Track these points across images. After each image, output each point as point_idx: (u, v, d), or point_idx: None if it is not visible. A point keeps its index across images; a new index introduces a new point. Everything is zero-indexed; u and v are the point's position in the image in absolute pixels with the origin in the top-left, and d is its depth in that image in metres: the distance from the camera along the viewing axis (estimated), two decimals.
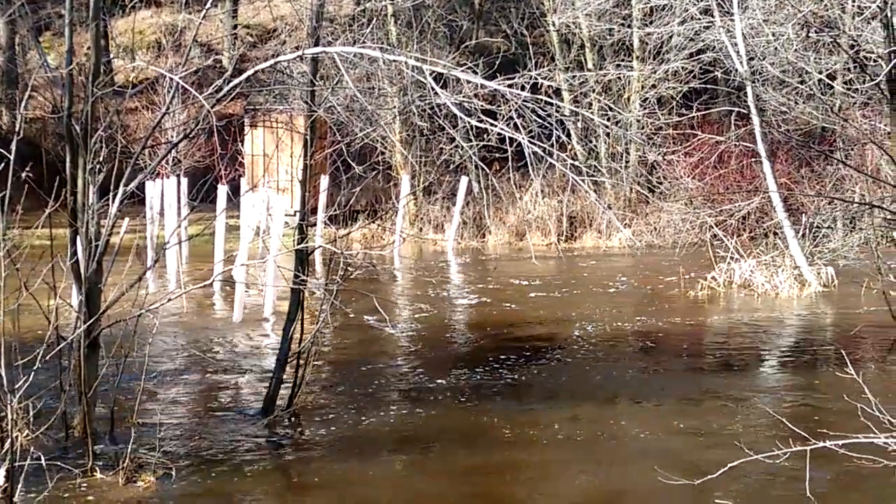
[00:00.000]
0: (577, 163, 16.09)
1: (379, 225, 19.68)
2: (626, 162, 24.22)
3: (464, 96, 9.12)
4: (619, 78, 23.93)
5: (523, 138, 8.23)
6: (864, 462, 6.87)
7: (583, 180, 9.12)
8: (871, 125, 20.89)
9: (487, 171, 9.28)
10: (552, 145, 8.32)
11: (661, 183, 23.72)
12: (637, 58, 24.03)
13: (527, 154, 8.13)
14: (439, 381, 12.14)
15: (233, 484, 8.61)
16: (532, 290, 18.56)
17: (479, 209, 24.13)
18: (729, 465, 6.55)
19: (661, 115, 23.23)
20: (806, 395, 11.50)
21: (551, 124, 8.52)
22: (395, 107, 17.47)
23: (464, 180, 23.52)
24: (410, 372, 12.86)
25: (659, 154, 22.80)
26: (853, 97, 21.42)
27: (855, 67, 16.63)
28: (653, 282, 19.21)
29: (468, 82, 9.03)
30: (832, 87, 20.16)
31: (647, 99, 23.70)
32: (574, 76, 23.50)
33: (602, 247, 23.43)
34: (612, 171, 23.01)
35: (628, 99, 23.80)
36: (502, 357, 13.39)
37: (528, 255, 21.77)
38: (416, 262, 22.13)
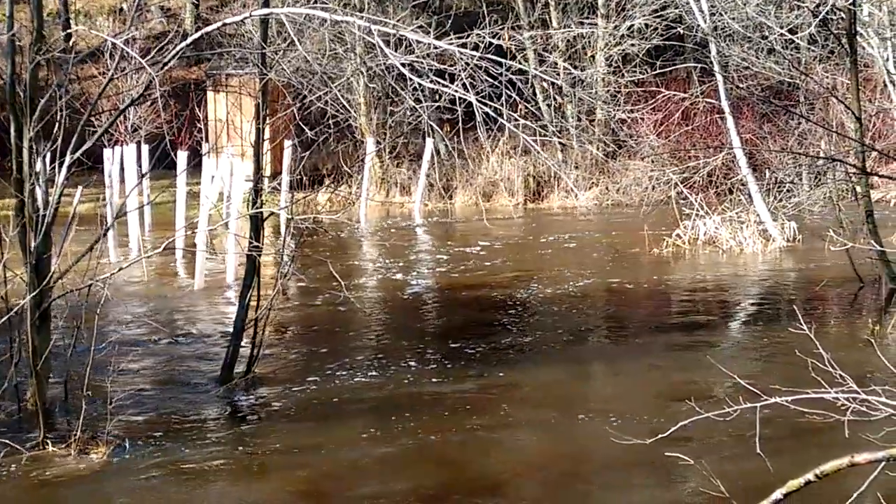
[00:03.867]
0: (541, 123, 15.98)
1: (334, 191, 19.50)
2: (592, 121, 24.14)
3: (416, 57, 8.98)
4: (583, 36, 23.77)
5: (473, 98, 8.12)
6: (815, 417, 6.86)
7: (535, 141, 9.00)
8: (833, 79, 20.89)
9: (440, 131, 9.19)
10: (503, 105, 8.21)
11: (625, 142, 23.66)
12: (601, 15, 23.87)
13: (477, 115, 8.02)
14: (404, 345, 12.08)
15: (188, 454, 8.54)
16: (499, 251, 18.52)
17: (445, 171, 24.01)
18: (679, 423, 6.52)
19: (626, 72, 23.12)
20: (764, 351, 11.54)
21: (501, 84, 8.41)
22: (353, 69, 17.28)
23: (429, 142, 23.37)
24: (374, 337, 12.80)
25: (623, 112, 22.71)
26: (815, 52, 21.39)
27: (817, 22, 16.59)
28: (619, 240, 19.21)
29: (418, 42, 8.89)
30: (794, 42, 20.11)
31: (611, 57, 23.57)
32: (536, 34, 23.30)
33: (569, 206, 23.40)
34: (562, 131, 22.91)
35: (592, 57, 23.67)
36: (468, 319, 13.36)
37: (495, 217, 21.75)
38: (383, 226, 22.03)
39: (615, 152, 23.96)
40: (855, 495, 6.78)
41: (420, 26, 11.91)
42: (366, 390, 10.35)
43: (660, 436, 6.66)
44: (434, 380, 10.66)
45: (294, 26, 9.62)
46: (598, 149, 23.54)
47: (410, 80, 8.50)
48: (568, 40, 23.72)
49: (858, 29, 16.66)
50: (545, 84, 22.23)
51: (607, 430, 8.34)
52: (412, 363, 11.24)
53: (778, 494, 5.19)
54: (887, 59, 17.82)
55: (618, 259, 17.61)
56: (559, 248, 18.81)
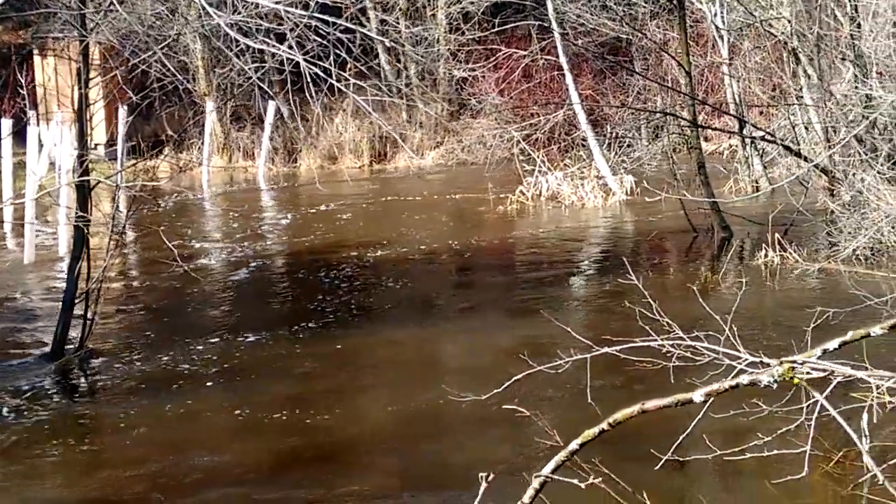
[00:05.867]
0: (371, 83, 15.86)
1: (164, 157, 18.94)
2: (435, 80, 24.11)
3: (242, 17, 8.74)
4: None
5: (301, 59, 7.95)
6: (644, 365, 7.03)
7: (369, 102, 8.92)
8: (666, 35, 21.40)
9: (270, 93, 8.95)
10: (331, 64, 8.07)
11: (468, 101, 23.74)
12: None
13: (305, 76, 7.86)
14: (249, 314, 11.87)
15: (17, 436, 8.19)
16: (346, 214, 18.38)
17: (289, 134, 23.62)
18: (513, 378, 6.59)
19: (466, 30, 23.16)
20: (600, 303, 11.81)
21: (330, 44, 8.26)
22: (177, 30, 16.71)
23: (271, 105, 22.93)
24: (219, 307, 12.52)
25: (464, 71, 22.78)
26: (646, 8, 21.84)
27: None
28: (465, 199, 19.32)
29: (245, 2, 8.65)
30: None
31: (451, 14, 23.53)
32: None
33: (415, 166, 23.39)
34: (403, 91, 22.85)
35: (433, 16, 23.59)
36: (318, 284, 13.21)
37: (341, 179, 21.55)
38: (227, 191, 21.59)
39: (459, 111, 24.04)
40: (681, 437, 7.04)
41: None
42: (208, 361, 10.12)
43: (495, 391, 6.71)
44: (281, 347, 10.52)
45: None
46: (441, 109, 23.56)
47: (236, 41, 8.27)
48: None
49: None
50: (387, 44, 22.06)
51: (451, 388, 8.39)
52: (257, 332, 11.03)
53: (574, 445, 5.33)
54: (715, 15, 18.33)
55: (464, 218, 17.71)
56: (406, 210, 18.79)
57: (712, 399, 6.19)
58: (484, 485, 5.19)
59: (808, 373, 4.90)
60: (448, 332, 11.19)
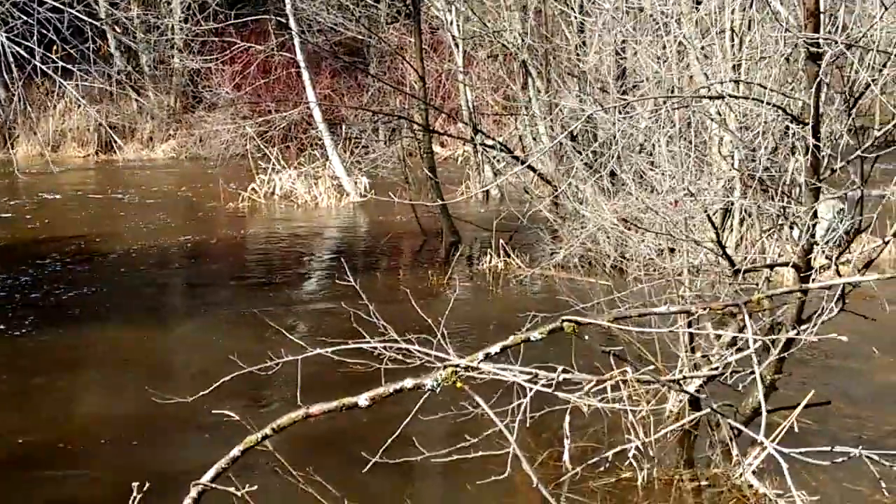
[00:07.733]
0: (81, 67, 15.06)
1: None
2: (169, 70, 23.33)
3: None
4: None
5: (2, 36, 7.38)
6: (358, 367, 6.98)
7: (75, 87, 8.42)
8: (401, 39, 21.67)
9: None
10: (35, 44, 7.54)
11: (202, 93, 23.11)
12: None
13: (6, 56, 7.30)
14: None
15: None
16: (70, 205, 17.41)
17: (6, 119, 22.13)
18: (221, 380, 6.36)
19: (203, 20, 22.54)
20: (322, 304, 11.72)
21: (37, 23, 7.73)
22: None
23: None
24: None
25: (197, 62, 22.16)
26: (382, 11, 22.05)
27: None
28: (196, 194, 18.77)
29: None
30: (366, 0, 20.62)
31: (185, 3, 22.82)
32: None
33: (145, 158, 22.53)
34: (132, 76, 22.03)
35: (168, 3, 22.81)
36: (37, 279, 12.39)
37: (63, 169, 20.41)
38: None
39: (193, 104, 23.37)
40: (389, 440, 7.02)
41: None
42: None
43: (200, 394, 6.45)
44: None
45: None
46: (174, 100, 22.82)
47: None
48: None
49: None
50: (117, 29, 21.12)
51: (160, 391, 8.02)
52: None
53: (235, 451, 5.18)
54: (451, 23, 18.71)
55: (193, 215, 17.17)
56: (134, 203, 18.03)
57: (422, 401, 6.23)
58: (137, 495, 4.94)
59: (477, 377, 4.98)
60: (165, 334, 10.77)
